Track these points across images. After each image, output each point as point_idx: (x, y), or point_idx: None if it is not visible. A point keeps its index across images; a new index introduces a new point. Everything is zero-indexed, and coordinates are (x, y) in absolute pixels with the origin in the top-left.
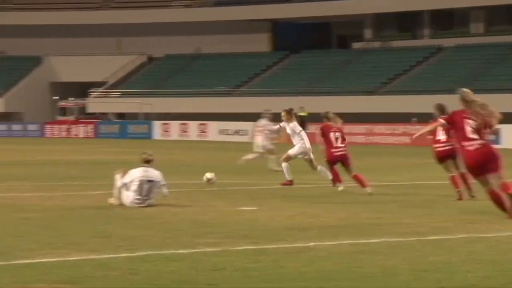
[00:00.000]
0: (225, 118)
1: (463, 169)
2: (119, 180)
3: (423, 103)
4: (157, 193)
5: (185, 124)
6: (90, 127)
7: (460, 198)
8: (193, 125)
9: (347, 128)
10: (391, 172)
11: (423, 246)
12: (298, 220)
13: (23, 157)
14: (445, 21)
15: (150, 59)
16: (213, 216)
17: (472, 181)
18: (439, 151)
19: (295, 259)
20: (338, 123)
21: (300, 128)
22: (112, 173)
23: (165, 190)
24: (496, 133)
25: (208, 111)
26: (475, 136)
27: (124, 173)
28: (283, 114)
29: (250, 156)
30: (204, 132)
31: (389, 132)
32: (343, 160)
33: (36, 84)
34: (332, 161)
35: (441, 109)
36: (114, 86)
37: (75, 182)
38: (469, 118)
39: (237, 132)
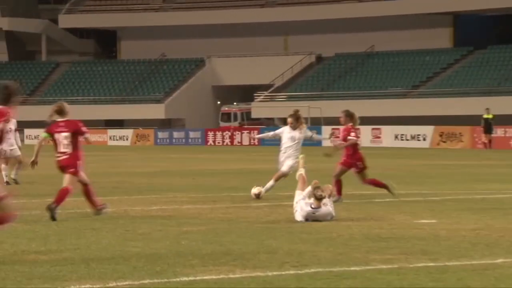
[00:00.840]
0: (401, 122)
1: None
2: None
3: None
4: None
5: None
6: (254, 134)
7: None
8: (365, 130)
9: None
10: None
11: None
12: (484, 234)
13: (184, 167)
14: None
15: (319, 59)
16: (389, 230)
17: None
18: None
19: (481, 278)
20: None
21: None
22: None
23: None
24: None
25: (382, 115)
26: None
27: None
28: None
29: None
30: (378, 137)
31: None
32: None
33: (198, 88)
34: None
35: None
36: (280, 89)
37: (238, 193)
38: None
39: (414, 137)
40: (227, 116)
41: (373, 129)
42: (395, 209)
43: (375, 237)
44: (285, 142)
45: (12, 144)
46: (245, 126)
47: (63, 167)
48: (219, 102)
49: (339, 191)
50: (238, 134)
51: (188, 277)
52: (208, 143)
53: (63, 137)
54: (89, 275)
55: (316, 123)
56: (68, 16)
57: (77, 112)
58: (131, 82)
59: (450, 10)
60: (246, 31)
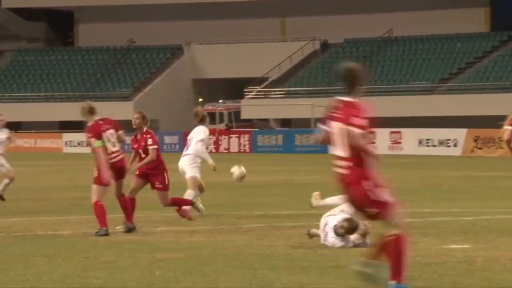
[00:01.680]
0: (426, 123)
1: None
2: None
3: None
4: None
5: (371, 132)
6: (245, 139)
7: None
8: (382, 133)
9: None
10: None
11: None
12: None
13: None
14: None
15: (324, 45)
16: (411, 257)
17: None
18: None
19: None
20: None
21: None
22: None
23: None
24: None
25: (403, 115)
26: None
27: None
28: None
29: None
30: (398, 142)
31: None
32: None
33: (175, 82)
34: None
35: None
36: (277, 83)
37: (224, 211)
38: None
39: (443, 143)
40: (211, 117)
41: (391, 132)
42: (419, 232)
43: None
44: None
45: None
46: (233, 129)
47: (122, 169)
48: (201, 100)
49: None
50: (224, 138)
51: None
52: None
53: (110, 135)
54: None
55: None
56: None
57: (23, 111)
58: (92, 74)
59: None
60: (234, 12)
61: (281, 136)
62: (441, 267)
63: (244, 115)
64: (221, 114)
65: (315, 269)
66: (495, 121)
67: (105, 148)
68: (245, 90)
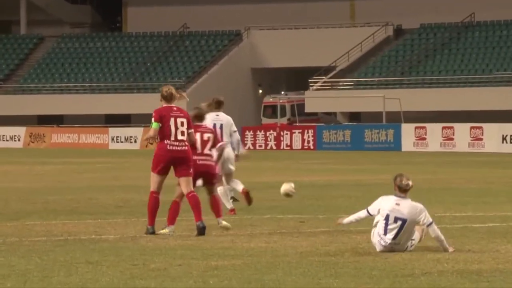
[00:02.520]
0: (510, 118)
1: None
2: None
3: None
4: (411, 234)
5: (449, 128)
6: (309, 134)
7: None
8: (460, 128)
9: None
10: None
11: None
12: None
13: None
14: None
15: (398, 31)
16: (493, 266)
17: None
18: None
19: None
20: None
21: None
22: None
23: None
24: None
25: (485, 108)
26: None
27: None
28: None
29: None
30: (479, 139)
31: None
32: None
33: (233, 71)
34: None
35: None
36: (345, 72)
37: (286, 214)
38: None
39: None
40: (271, 110)
41: (472, 128)
42: (501, 237)
43: (473, 276)
44: None
45: None
46: (297, 124)
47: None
48: (261, 91)
49: None
50: (286, 134)
51: None
52: (246, 146)
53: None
54: None
55: (393, 120)
56: None
57: (66, 103)
58: (141, 63)
59: None
60: None
61: (349, 131)
62: None
63: (308, 108)
64: (283, 107)
65: (386, 278)
66: None
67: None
68: (309, 80)
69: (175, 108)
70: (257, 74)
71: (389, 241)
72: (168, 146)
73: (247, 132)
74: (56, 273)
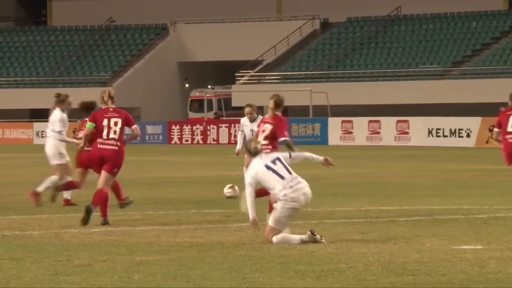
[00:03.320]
0: (436, 112)
1: None
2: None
3: None
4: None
5: (376, 121)
6: (235, 128)
7: None
8: (387, 122)
9: None
10: None
11: None
12: None
13: (138, 173)
14: None
15: (325, 25)
16: (417, 259)
17: None
18: None
19: None
20: None
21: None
22: None
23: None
24: None
25: (410, 102)
26: None
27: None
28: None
29: None
30: (405, 132)
31: None
32: None
33: (159, 65)
34: None
35: None
36: (272, 66)
37: (212, 209)
38: None
39: (454, 133)
40: (198, 104)
41: (398, 121)
42: (426, 231)
43: (398, 269)
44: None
45: None
46: (223, 118)
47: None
48: (187, 85)
49: None
50: (213, 128)
51: None
52: (172, 141)
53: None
54: None
55: (320, 114)
56: None
57: None
58: (67, 57)
59: None
60: None
61: None
62: (451, 270)
63: (235, 102)
64: (209, 101)
65: (311, 272)
66: None
67: None
68: (236, 74)
69: (111, 109)
70: (184, 68)
71: (295, 179)
72: (98, 144)
73: (173, 127)
74: None
